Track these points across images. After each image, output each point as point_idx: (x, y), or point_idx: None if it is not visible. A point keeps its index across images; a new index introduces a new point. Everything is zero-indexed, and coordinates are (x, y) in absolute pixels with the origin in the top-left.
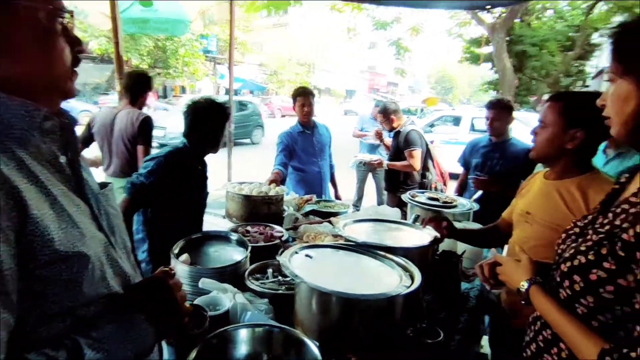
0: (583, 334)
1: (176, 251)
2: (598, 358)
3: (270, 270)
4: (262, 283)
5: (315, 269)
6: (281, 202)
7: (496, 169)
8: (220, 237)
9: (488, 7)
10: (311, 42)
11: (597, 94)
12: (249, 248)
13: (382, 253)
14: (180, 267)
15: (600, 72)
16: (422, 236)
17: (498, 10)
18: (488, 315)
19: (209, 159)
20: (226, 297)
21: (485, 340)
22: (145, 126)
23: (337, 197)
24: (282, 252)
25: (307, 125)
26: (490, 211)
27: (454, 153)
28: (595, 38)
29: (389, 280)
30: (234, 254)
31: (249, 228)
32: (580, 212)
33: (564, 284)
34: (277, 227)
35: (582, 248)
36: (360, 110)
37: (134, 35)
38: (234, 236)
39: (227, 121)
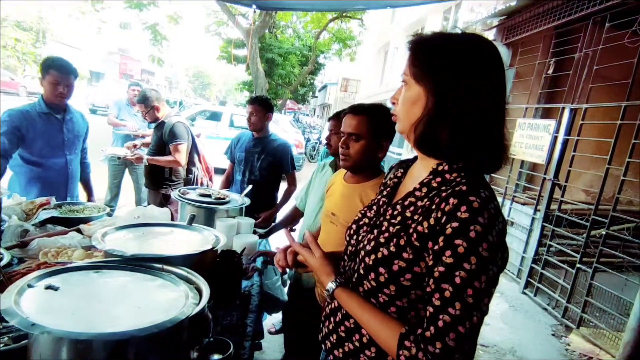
0: (384, 323)
1: None
2: (398, 343)
3: None
4: None
5: (65, 306)
6: None
7: (257, 163)
8: None
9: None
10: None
11: (386, 108)
12: None
13: (159, 266)
14: None
15: (324, 87)
16: (202, 238)
17: (252, 16)
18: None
19: None
20: None
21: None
22: None
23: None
24: (2, 285)
25: (57, 107)
26: (259, 208)
27: (216, 148)
28: (320, 59)
29: (172, 300)
30: None
31: None
32: None
33: (370, 276)
34: None
35: (382, 240)
36: (111, 96)
37: None
38: None
39: None
